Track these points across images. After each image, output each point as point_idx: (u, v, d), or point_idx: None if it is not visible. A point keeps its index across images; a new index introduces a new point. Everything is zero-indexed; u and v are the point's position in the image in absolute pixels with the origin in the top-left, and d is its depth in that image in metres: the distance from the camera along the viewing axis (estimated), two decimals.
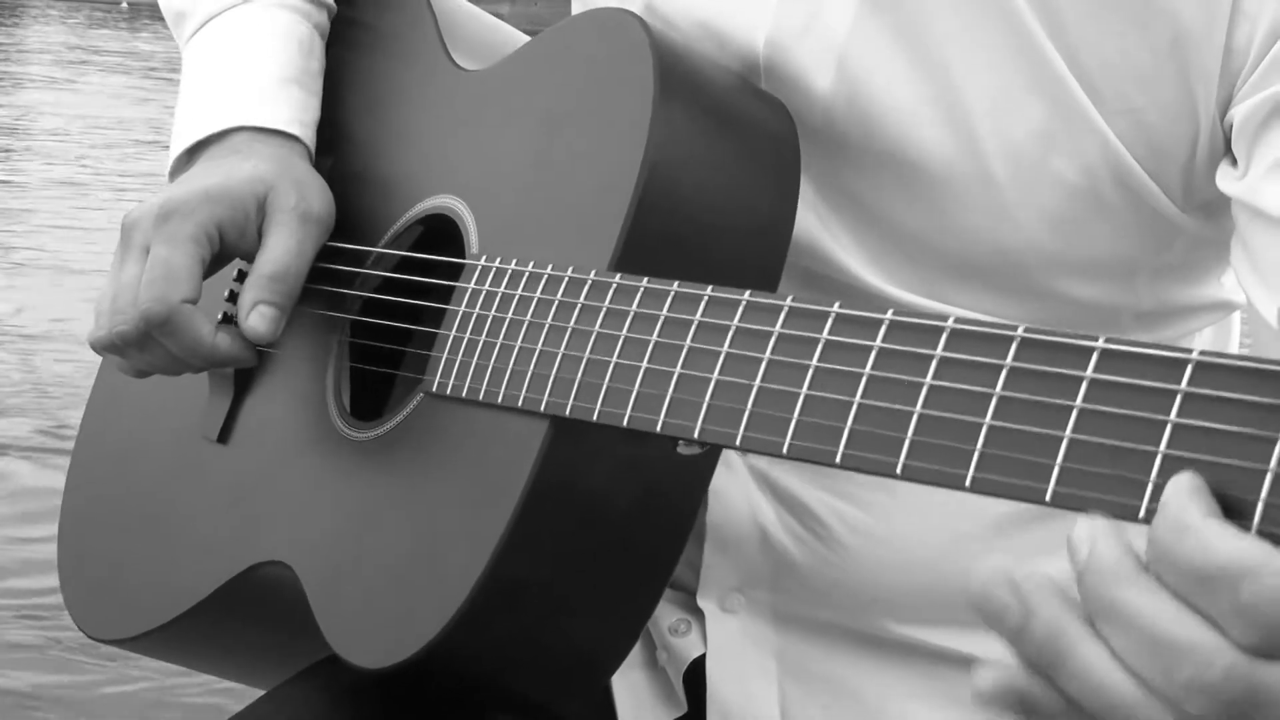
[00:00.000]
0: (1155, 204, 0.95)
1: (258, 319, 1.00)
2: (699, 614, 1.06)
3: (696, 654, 1.06)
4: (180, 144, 1.11)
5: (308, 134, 1.12)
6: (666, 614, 1.07)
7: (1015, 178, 0.94)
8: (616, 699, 1.06)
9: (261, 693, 1.08)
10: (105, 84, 9.41)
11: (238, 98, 1.10)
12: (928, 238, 0.97)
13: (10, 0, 13.43)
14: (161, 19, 1.25)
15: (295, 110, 1.11)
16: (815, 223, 0.99)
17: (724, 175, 0.91)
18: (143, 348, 1.02)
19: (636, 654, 1.07)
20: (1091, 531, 0.55)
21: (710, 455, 0.88)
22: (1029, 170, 0.94)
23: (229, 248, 1.03)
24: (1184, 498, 0.53)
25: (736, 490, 1.02)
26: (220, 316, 1.07)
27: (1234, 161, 0.90)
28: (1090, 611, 0.54)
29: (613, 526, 0.88)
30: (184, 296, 0.99)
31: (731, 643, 1.05)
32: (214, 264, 1.03)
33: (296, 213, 1.03)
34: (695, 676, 1.07)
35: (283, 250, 1.02)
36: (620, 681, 1.06)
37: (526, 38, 1.19)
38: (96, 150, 7.23)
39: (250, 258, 1.04)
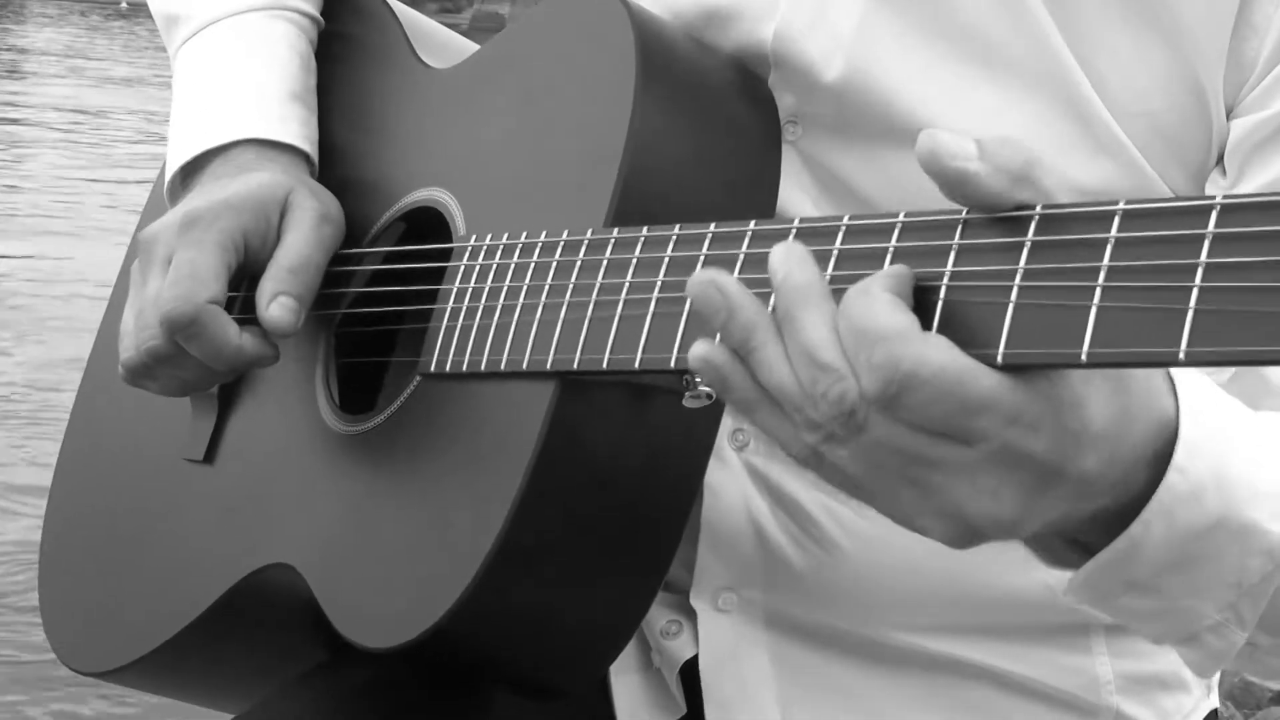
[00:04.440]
0: None
1: (278, 309, 0.97)
2: (690, 614, 1.04)
3: (689, 655, 1.04)
4: (182, 155, 1.09)
5: (314, 150, 1.11)
6: (659, 615, 1.05)
7: None
8: (615, 702, 1.05)
9: None
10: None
11: (245, 110, 1.09)
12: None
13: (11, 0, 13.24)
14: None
15: (302, 126, 1.11)
16: (810, 208, 1.00)
17: (708, 140, 0.93)
18: (175, 362, 0.99)
19: (632, 657, 1.06)
20: (787, 256, 0.68)
21: (714, 410, 0.88)
22: None
23: (252, 256, 1.01)
24: (880, 274, 0.66)
25: (732, 486, 1.01)
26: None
27: (1224, 171, 0.92)
28: (779, 320, 0.68)
29: (621, 486, 0.88)
30: (210, 297, 0.97)
31: (725, 642, 1.03)
32: (237, 275, 1.01)
33: (317, 212, 1.02)
34: (693, 678, 1.06)
35: (302, 243, 1.00)
36: (618, 684, 1.05)
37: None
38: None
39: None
